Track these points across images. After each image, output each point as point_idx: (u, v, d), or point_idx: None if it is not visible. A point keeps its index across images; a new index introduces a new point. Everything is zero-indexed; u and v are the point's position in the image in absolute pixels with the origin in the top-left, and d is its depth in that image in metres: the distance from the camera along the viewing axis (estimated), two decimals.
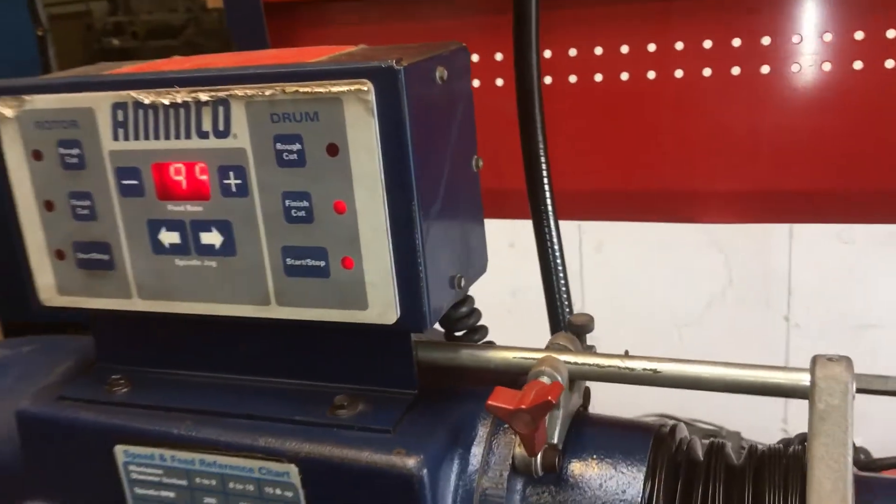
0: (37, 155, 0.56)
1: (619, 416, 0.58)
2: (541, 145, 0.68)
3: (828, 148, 1.23)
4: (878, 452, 1.08)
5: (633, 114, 1.29)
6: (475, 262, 0.58)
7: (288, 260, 0.53)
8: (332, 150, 0.50)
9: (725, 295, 1.93)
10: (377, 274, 0.51)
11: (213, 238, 0.54)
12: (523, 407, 0.48)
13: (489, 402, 0.49)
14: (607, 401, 0.64)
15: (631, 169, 1.32)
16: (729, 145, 1.32)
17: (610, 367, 0.54)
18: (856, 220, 1.39)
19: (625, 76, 1.27)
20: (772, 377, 0.51)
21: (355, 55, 0.54)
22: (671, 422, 0.58)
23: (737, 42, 1.20)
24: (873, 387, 0.51)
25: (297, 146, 0.51)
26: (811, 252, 1.84)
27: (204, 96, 0.52)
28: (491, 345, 0.59)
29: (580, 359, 0.54)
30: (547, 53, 1.19)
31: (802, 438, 0.53)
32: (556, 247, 0.68)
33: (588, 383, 0.60)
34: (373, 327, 0.52)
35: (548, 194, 0.70)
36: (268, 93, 0.50)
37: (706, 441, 0.56)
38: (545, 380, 0.52)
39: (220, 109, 0.51)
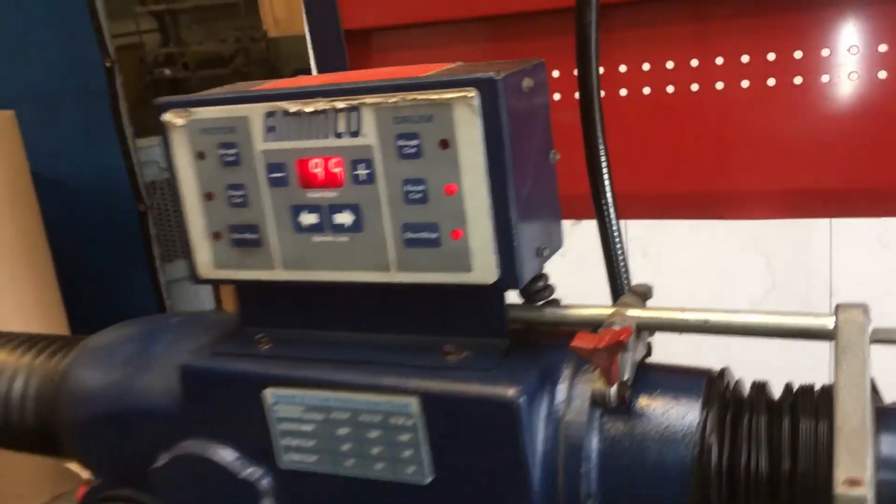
0: (200, 155, 0.70)
1: (677, 364, 0.69)
2: (601, 148, 0.79)
3: (857, 149, 1.33)
4: None
5: (679, 122, 1.40)
6: (554, 239, 0.70)
7: (406, 234, 0.65)
8: (444, 144, 0.62)
9: (767, 298, 2.02)
10: (480, 242, 0.63)
11: (344, 218, 0.67)
12: (601, 346, 0.61)
13: (573, 343, 0.61)
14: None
15: (677, 172, 1.43)
16: (766, 149, 1.43)
17: (668, 318, 0.65)
18: (885, 214, 1.49)
19: (670, 89, 1.39)
20: (804, 322, 0.62)
21: (456, 70, 0.67)
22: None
23: (771, 56, 1.31)
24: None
25: (415, 142, 0.63)
26: (851, 254, 1.93)
27: (340, 104, 0.65)
28: (567, 306, 0.71)
29: (643, 313, 0.66)
30: (600, 70, 1.31)
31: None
32: (615, 229, 0.79)
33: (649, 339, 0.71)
34: (475, 287, 0.64)
35: (608, 188, 0.81)
36: (392, 100, 0.63)
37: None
38: (616, 328, 0.64)
39: (353, 115, 0.64)
